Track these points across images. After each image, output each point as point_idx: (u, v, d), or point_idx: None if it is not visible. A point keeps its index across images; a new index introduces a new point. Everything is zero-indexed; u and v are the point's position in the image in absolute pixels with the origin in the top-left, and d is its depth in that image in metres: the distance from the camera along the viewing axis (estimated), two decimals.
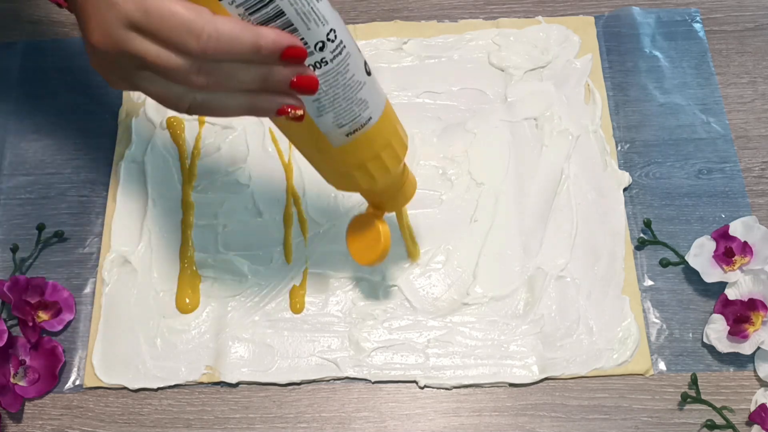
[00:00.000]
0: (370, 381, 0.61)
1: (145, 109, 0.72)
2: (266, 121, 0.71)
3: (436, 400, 0.60)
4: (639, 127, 0.70)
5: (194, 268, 0.65)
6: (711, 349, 0.61)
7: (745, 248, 0.62)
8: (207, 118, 0.71)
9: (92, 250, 0.67)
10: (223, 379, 0.61)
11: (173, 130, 0.71)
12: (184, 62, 0.40)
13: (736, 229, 0.63)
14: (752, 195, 0.67)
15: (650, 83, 0.72)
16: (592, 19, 0.75)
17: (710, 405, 0.59)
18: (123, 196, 0.68)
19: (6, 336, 0.60)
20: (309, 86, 0.43)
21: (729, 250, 0.62)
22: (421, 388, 0.61)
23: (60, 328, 0.63)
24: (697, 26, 0.75)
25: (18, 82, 0.74)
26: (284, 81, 0.43)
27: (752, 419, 0.58)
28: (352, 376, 0.61)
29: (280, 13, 0.41)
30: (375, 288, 0.64)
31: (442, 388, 0.61)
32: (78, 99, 0.73)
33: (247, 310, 0.63)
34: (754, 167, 0.68)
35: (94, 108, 0.73)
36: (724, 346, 0.60)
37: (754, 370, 0.60)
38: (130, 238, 0.66)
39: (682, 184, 0.68)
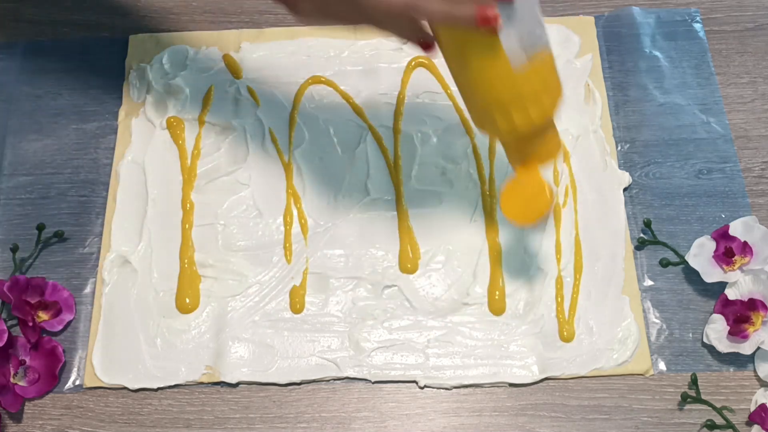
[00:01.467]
0: (370, 381, 0.61)
1: (145, 109, 0.72)
2: (266, 121, 0.71)
3: (436, 400, 0.60)
4: (639, 127, 0.70)
5: (194, 268, 0.65)
6: (711, 349, 0.61)
7: (745, 248, 0.62)
8: (207, 118, 0.71)
9: (92, 250, 0.67)
10: (223, 379, 0.61)
11: (173, 130, 0.71)
12: None
13: (736, 229, 0.63)
14: (752, 195, 0.67)
15: (650, 83, 0.72)
16: (592, 19, 0.75)
17: (710, 405, 0.59)
18: (123, 196, 0.68)
19: (6, 336, 0.60)
20: None
21: (729, 250, 0.62)
22: (421, 388, 0.61)
23: (60, 328, 0.63)
24: (697, 26, 0.75)
25: (18, 82, 0.74)
26: None
27: (752, 419, 0.58)
28: (352, 376, 0.61)
29: None
30: (375, 288, 0.64)
31: (442, 388, 0.61)
32: (78, 99, 0.73)
33: (247, 310, 0.63)
34: (754, 167, 0.68)
35: (94, 108, 0.73)
36: (724, 346, 0.60)
37: (754, 370, 0.60)
38: (130, 238, 0.66)
39: (682, 184, 0.68)
